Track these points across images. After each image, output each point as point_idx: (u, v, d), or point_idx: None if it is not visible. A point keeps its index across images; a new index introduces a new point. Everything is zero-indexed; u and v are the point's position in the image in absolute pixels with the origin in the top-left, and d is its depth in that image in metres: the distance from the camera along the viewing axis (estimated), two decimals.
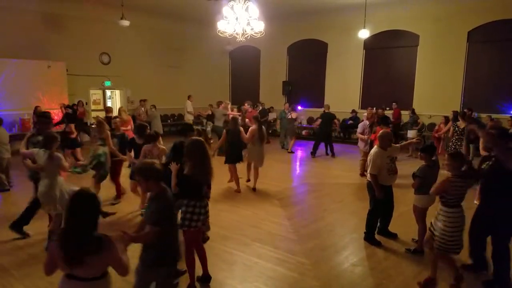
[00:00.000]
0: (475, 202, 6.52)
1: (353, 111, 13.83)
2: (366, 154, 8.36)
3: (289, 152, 11.90)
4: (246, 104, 11.31)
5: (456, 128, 8.27)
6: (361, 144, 8.62)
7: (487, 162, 4.01)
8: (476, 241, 4.14)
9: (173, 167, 3.76)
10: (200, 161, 3.57)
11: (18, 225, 5.03)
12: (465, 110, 9.20)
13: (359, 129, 8.67)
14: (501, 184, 3.82)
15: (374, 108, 10.76)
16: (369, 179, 4.90)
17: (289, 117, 11.83)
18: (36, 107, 10.77)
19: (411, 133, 11.15)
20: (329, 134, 11.48)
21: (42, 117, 5.55)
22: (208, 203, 3.79)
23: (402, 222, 5.45)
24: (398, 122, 12.39)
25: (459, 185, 3.71)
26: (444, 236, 3.70)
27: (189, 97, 13.98)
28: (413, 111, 11.77)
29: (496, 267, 3.94)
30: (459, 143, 8.13)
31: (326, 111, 11.35)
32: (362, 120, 9.15)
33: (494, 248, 3.94)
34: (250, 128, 7.71)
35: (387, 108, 12.92)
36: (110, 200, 6.55)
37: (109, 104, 16.72)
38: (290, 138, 12.06)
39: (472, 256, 4.24)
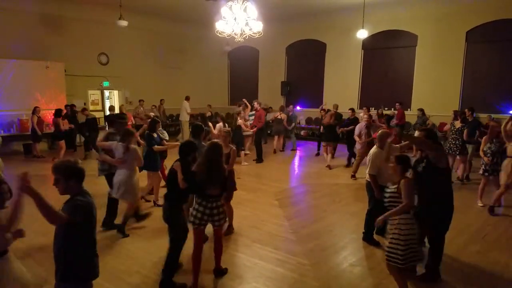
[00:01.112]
0: (479, 204, 6.54)
1: (350, 109, 13.79)
2: (360, 155, 8.41)
3: (281, 151, 12.22)
4: (256, 103, 11.41)
5: (452, 127, 8.28)
6: (358, 145, 8.62)
7: (421, 164, 3.93)
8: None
9: (176, 165, 3.75)
10: (209, 162, 3.71)
11: (110, 221, 5.35)
12: (465, 110, 9.17)
13: (356, 131, 8.66)
14: (435, 184, 3.84)
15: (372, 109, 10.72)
16: (368, 180, 4.91)
17: (278, 117, 11.99)
18: (35, 108, 10.79)
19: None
20: (337, 135, 11.40)
21: (119, 119, 5.94)
22: (219, 204, 3.81)
23: None
24: (402, 123, 12.20)
25: None
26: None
27: (187, 98, 14.06)
28: (422, 112, 11.64)
29: (431, 263, 4.00)
30: (453, 142, 8.15)
31: (336, 110, 11.36)
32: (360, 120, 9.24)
33: (432, 245, 4.02)
34: (217, 124, 8.52)
35: (386, 108, 12.89)
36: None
37: (107, 104, 16.75)
38: (278, 138, 12.25)
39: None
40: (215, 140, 4.16)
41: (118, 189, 5.02)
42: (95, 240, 2.74)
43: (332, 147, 9.80)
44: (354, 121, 10.01)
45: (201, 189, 3.73)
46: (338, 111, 11.37)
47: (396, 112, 12.32)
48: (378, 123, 10.31)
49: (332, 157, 9.90)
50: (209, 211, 3.74)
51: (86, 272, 2.67)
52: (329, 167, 9.72)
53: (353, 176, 8.58)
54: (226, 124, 9.09)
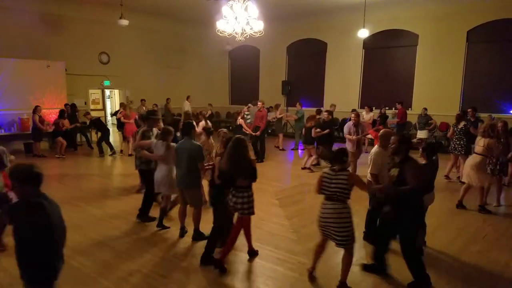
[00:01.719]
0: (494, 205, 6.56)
1: (353, 110, 13.81)
2: (353, 155, 8.37)
3: (280, 150, 12.37)
4: (259, 103, 11.40)
5: (455, 128, 8.29)
6: (348, 145, 8.52)
7: (395, 168, 3.88)
8: (380, 243, 4.15)
9: (216, 161, 4.31)
10: (233, 156, 4.02)
11: (144, 214, 5.63)
12: (468, 110, 9.16)
13: (345, 130, 8.59)
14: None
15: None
16: (369, 179, 4.90)
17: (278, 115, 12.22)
18: (36, 107, 10.82)
19: (422, 133, 10.91)
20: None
21: (151, 115, 6.04)
22: (245, 195, 4.10)
23: None
24: (403, 122, 12.17)
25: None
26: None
27: (187, 98, 14.13)
28: (425, 111, 11.54)
29: (411, 269, 3.89)
30: (458, 142, 8.16)
31: (330, 110, 11.39)
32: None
33: (406, 254, 3.93)
34: (200, 123, 8.81)
35: (387, 108, 12.85)
36: None
37: (108, 103, 16.81)
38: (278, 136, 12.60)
39: (374, 257, 4.22)
40: (239, 135, 4.37)
41: (160, 184, 5.21)
42: (56, 243, 2.60)
43: (310, 150, 9.42)
44: (330, 124, 9.61)
45: (232, 182, 4.08)
46: (336, 111, 11.36)
47: (396, 111, 12.29)
48: (389, 123, 10.34)
49: (311, 159, 9.57)
50: (235, 200, 4.09)
51: (46, 275, 2.57)
52: (304, 168, 9.50)
53: None
54: (209, 122, 9.18)
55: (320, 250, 3.98)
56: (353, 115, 8.61)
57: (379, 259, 4.18)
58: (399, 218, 3.86)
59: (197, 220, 4.96)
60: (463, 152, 8.09)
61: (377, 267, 4.18)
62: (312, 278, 3.98)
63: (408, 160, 3.80)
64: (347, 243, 3.66)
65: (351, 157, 8.49)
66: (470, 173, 6.33)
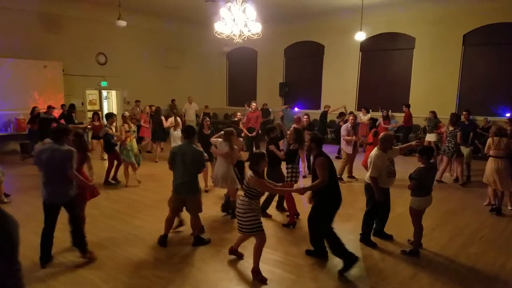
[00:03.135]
0: (509, 208, 6.54)
1: (351, 112, 13.83)
2: (350, 156, 8.46)
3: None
4: (253, 103, 11.38)
5: (447, 130, 8.42)
6: (346, 147, 8.53)
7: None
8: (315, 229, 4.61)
9: (272, 147, 5.84)
10: (297, 140, 5.65)
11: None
12: (463, 112, 9.22)
13: (343, 132, 8.60)
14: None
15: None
16: (368, 181, 4.91)
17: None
18: (33, 108, 10.54)
19: (430, 137, 10.86)
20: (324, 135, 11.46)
21: (233, 124, 6.96)
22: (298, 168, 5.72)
23: (398, 224, 5.47)
24: (409, 125, 12.13)
25: None
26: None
27: (189, 99, 14.11)
28: (434, 115, 11.45)
29: (330, 247, 4.37)
30: (447, 145, 8.33)
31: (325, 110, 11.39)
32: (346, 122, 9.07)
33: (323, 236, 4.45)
34: (169, 118, 9.98)
35: (384, 111, 12.85)
36: None
37: (105, 104, 16.73)
38: None
39: (312, 243, 4.67)
40: (297, 127, 6.03)
41: (221, 179, 5.74)
42: None
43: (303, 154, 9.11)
44: (311, 128, 9.38)
45: (294, 157, 5.64)
46: (333, 112, 11.37)
47: (391, 114, 12.30)
48: (383, 125, 10.48)
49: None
50: (295, 170, 5.67)
51: None
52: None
53: (340, 178, 8.30)
54: (178, 119, 9.54)
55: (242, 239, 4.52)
56: (351, 117, 8.67)
57: (316, 244, 4.57)
58: (316, 205, 4.50)
59: (196, 227, 4.86)
60: (450, 155, 8.25)
61: (317, 252, 4.59)
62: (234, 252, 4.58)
63: (319, 156, 4.31)
64: (255, 231, 4.10)
65: (348, 159, 8.53)
66: (494, 177, 6.29)
